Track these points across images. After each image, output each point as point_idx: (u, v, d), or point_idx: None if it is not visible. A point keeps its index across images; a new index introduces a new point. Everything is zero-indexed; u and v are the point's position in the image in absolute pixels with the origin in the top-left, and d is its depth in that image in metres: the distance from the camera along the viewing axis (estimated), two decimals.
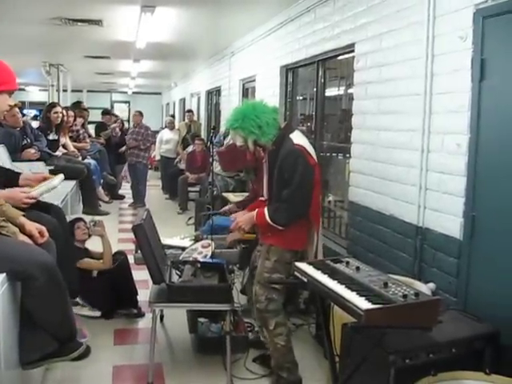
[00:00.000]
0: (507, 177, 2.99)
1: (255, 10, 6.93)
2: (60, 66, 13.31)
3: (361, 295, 2.51)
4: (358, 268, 2.93)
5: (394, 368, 2.57)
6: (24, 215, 3.10)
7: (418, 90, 3.75)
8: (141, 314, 4.96)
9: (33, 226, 3.06)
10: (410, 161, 3.90)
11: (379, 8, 4.37)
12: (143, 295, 4.98)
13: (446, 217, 3.48)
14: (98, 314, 4.83)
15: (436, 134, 3.62)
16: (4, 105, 2.95)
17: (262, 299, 3.71)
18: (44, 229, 3.10)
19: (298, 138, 3.71)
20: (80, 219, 5.19)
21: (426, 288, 3.37)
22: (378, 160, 4.40)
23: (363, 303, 2.42)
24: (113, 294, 4.89)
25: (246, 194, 6.62)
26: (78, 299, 4.75)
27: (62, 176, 3.66)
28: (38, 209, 3.52)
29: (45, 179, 3.64)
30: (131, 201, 10.92)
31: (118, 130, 11.15)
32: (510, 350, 2.88)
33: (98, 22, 7.79)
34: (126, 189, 11.52)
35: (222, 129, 10.36)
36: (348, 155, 5.25)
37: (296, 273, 3.07)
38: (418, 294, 2.51)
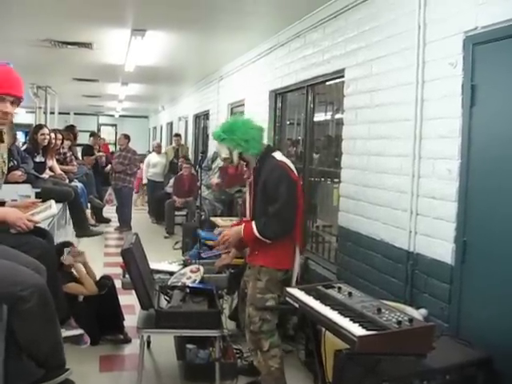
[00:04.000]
0: (498, 202, 3.00)
1: (245, 35, 6.98)
2: (48, 88, 13.29)
3: (354, 321, 2.49)
4: (350, 294, 2.91)
5: None
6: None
7: (409, 115, 3.77)
8: (127, 340, 4.86)
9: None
10: (400, 186, 3.90)
11: (369, 34, 4.41)
12: (129, 321, 4.90)
13: (438, 242, 3.48)
14: (80, 331, 4.70)
15: (427, 159, 3.63)
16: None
17: (256, 320, 3.69)
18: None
19: (279, 155, 3.84)
20: (67, 244, 5.11)
21: (417, 314, 3.34)
22: (369, 185, 4.40)
23: (357, 329, 2.40)
24: (99, 319, 4.80)
25: (234, 218, 6.60)
26: None
27: (54, 202, 3.61)
28: (32, 233, 3.46)
29: (33, 204, 3.59)
30: (117, 224, 10.82)
31: (103, 159, 11.02)
32: (502, 375, 2.87)
33: (88, 45, 7.80)
34: (110, 212, 11.43)
35: (210, 153, 10.38)
36: (336, 180, 5.26)
37: (287, 298, 3.04)
38: (412, 320, 2.50)
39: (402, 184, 3.87)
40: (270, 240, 3.69)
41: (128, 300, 5.11)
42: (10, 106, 2.92)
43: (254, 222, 3.74)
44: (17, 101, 2.95)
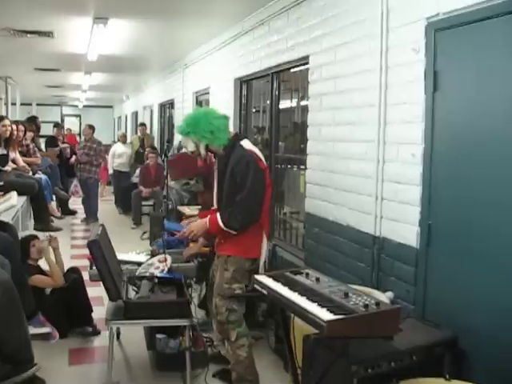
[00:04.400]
0: (461, 185, 3.05)
1: (209, 23, 6.93)
2: (8, 78, 13.02)
3: (322, 306, 2.51)
4: (317, 279, 2.93)
5: (357, 378, 2.57)
6: None
7: (373, 101, 3.80)
8: (96, 332, 4.83)
9: None
10: (365, 171, 3.94)
11: (333, 20, 4.42)
12: (98, 312, 4.86)
13: (403, 226, 3.53)
14: (48, 330, 4.65)
15: (391, 144, 3.67)
16: None
17: (223, 310, 3.69)
18: None
19: (248, 144, 3.82)
20: (34, 236, 5.03)
21: (384, 297, 3.39)
22: (334, 171, 4.43)
23: (325, 314, 2.42)
24: (67, 311, 4.75)
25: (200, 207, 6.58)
26: None
27: (15, 193, 3.55)
28: None
29: None
30: (83, 216, 10.69)
31: (68, 150, 10.86)
32: (468, 354, 2.94)
33: (48, 34, 7.63)
34: (76, 204, 11.29)
35: (176, 142, 10.31)
36: (302, 167, 5.28)
37: (256, 285, 3.05)
38: (378, 303, 2.53)
39: (367, 169, 3.90)
40: (235, 231, 3.68)
41: (96, 292, 5.07)
42: None
43: (218, 214, 3.72)
44: None
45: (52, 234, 5.17)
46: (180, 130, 3.84)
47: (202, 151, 3.79)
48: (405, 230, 3.50)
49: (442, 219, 3.21)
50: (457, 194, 3.09)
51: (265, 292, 2.94)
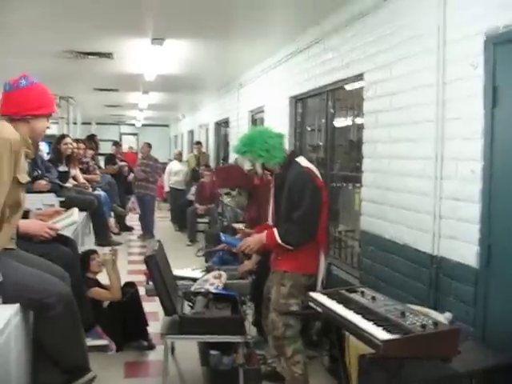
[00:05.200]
0: None
1: (263, 42, 7.01)
2: (70, 98, 13.46)
3: (378, 325, 2.47)
4: (373, 298, 2.89)
5: None
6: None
7: (430, 116, 3.74)
8: (151, 347, 4.88)
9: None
10: (423, 188, 3.87)
11: (388, 37, 4.39)
12: (154, 327, 4.92)
13: (462, 245, 3.44)
14: (105, 342, 4.74)
15: (449, 160, 3.59)
16: (43, 127, 3.02)
17: (280, 326, 3.69)
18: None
19: (304, 161, 3.87)
20: (94, 251, 5.17)
21: (442, 318, 3.30)
22: (391, 188, 4.37)
23: (381, 333, 2.38)
24: (123, 325, 4.83)
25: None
26: None
27: (77, 209, 3.66)
28: (57, 241, 3.51)
29: (57, 213, 3.65)
30: (140, 232, 10.89)
31: (126, 168, 11.14)
32: None
33: (108, 55, 7.89)
34: (133, 220, 11.51)
35: (231, 160, 10.42)
36: (357, 185, 5.24)
37: (310, 303, 3.03)
38: (436, 323, 2.47)
39: (425, 186, 3.83)
40: (291, 247, 3.71)
41: (152, 307, 5.14)
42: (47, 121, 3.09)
43: (276, 229, 3.76)
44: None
45: (114, 247, 5.29)
46: (236, 149, 3.92)
47: (259, 169, 3.86)
48: (464, 248, 3.41)
49: (503, 238, 3.11)
50: None
51: (319, 309, 2.93)
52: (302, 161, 3.85)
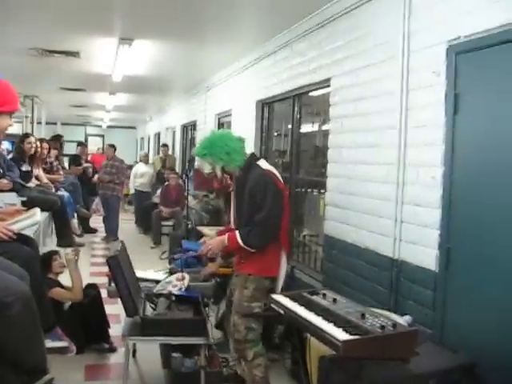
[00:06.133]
0: (481, 209, 3.03)
1: (232, 45, 7.01)
2: (35, 97, 13.25)
3: (338, 326, 2.50)
4: (334, 300, 2.92)
5: None
6: None
7: (394, 123, 3.80)
8: (113, 349, 4.84)
9: None
10: (385, 193, 3.92)
11: (355, 43, 4.45)
12: (115, 330, 4.88)
13: (422, 249, 3.50)
14: (65, 344, 4.66)
15: (411, 166, 3.66)
16: (5, 125, 2.96)
17: (241, 329, 3.69)
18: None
19: (265, 164, 3.90)
20: (56, 252, 5.10)
21: (402, 321, 3.35)
22: (354, 193, 4.42)
23: (341, 334, 2.41)
24: (84, 327, 4.77)
25: (221, 227, 6.58)
26: None
27: (39, 210, 3.61)
28: (16, 240, 3.45)
29: (17, 212, 3.59)
30: (104, 234, 10.77)
31: (91, 170, 11.02)
32: (485, 381, 2.87)
33: (75, 54, 7.78)
34: (97, 222, 11.39)
35: (197, 163, 10.37)
36: (322, 190, 5.29)
37: (272, 305, 3.05)
38: (395, 325, 2.51)
39: (387, 192, 3.89)
40: (253, 249, 3.73)
41: (114, 309, 5.09)
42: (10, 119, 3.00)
43: (237, 232, 3.76)
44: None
45: (77, 247, 5.23)
46: (197, 151, 3.93)
47: (218, 172, 3.86)
48: (424, 253, 3.47)
49: (462, 243, 3.18)
50: (477, 218, 3.06)
51: (281, 311, 2.94)
52: (262, 164, 3.87)
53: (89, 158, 12.27)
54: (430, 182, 3.42)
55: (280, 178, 3.91)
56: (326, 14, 4.94)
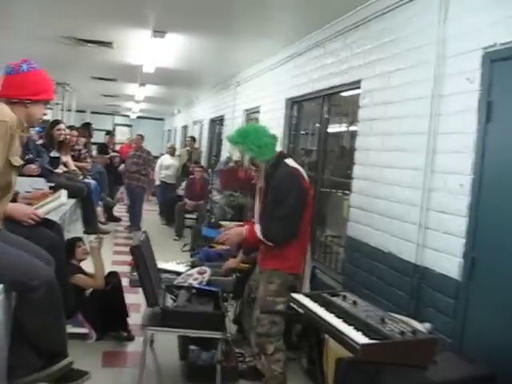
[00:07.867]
0: (509, 219, 2.99)
1: (264, 42, 7.02)
2: (66, 85, 13.40)
3: (358, 329, 2.49)
4: (355, 302, 2.92)
5: None
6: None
7: (423, 129, 3.77)
8: (131, 338, 4.88)
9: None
10: (411, 199, 3.90)
11: (388, 46, 4.42)
12: (134, 319, 4.92)
13: (445, 257, 3.47)
14: (85, 330, 4.73)
15: (439, 173, 3.63)
16: (40, 113, 3.03)
17: (265, 322, 3.73)
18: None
19: (292, 162, 3.91)
20: (80, 238, 5.16)
21: (422, 327, 3.33)
22: (379, 197, 4.41)
23: (360, 337, 2.40)
24: (104, 314, 4.82)
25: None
26: None
27: (65, 192, 3.66)
28: (42, 225, 3.51)
29: (44, 196, 3.65)
30: (127, 224, 10.86)
31: (117, 159, 11.13)
32: None
33: (108, 44, 7.87)
34: (121, 211, 11.48)
35: (223, 157, 10.42)
36: (347, 191, 5.27)
37: (292, 304, 3.05)
38: (415, 331, 2.50)
39: (413, 197, 3.86)
40: (272, 243, 3.75)
41: (135, 299, 5.14)
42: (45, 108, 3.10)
43: (258, 225, 3.80)
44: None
45: (100, 235, 5.28)
46: (230, 138, 3.97)
47: (246, 163, 3.90)
48: (447, 261, 3.45)
49: (487, 253, 3.14)
50: (504, 229, 3.03)
51: (301, 311, 2.95)
52: (290, 162, 3.89)
53: (117, 148, 12.37)
54: (457, 189, 3.39)
55: (306, 176, 3.92)
56: (360, 15, 4.92)
